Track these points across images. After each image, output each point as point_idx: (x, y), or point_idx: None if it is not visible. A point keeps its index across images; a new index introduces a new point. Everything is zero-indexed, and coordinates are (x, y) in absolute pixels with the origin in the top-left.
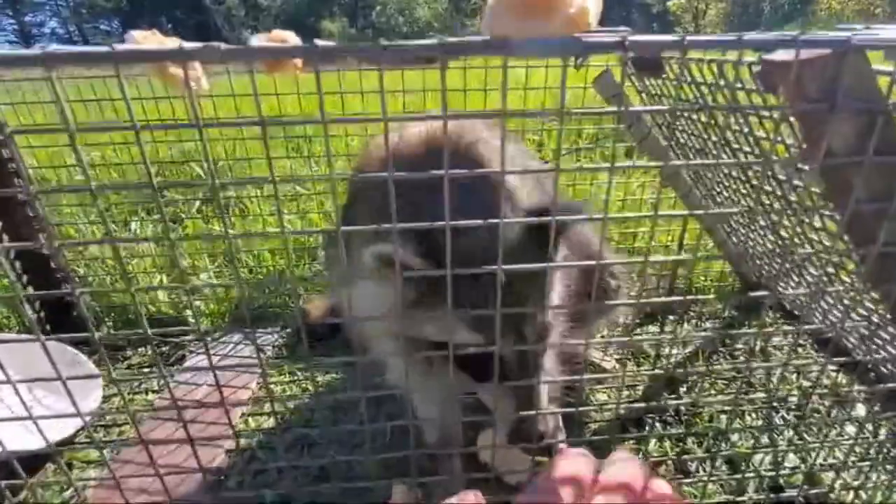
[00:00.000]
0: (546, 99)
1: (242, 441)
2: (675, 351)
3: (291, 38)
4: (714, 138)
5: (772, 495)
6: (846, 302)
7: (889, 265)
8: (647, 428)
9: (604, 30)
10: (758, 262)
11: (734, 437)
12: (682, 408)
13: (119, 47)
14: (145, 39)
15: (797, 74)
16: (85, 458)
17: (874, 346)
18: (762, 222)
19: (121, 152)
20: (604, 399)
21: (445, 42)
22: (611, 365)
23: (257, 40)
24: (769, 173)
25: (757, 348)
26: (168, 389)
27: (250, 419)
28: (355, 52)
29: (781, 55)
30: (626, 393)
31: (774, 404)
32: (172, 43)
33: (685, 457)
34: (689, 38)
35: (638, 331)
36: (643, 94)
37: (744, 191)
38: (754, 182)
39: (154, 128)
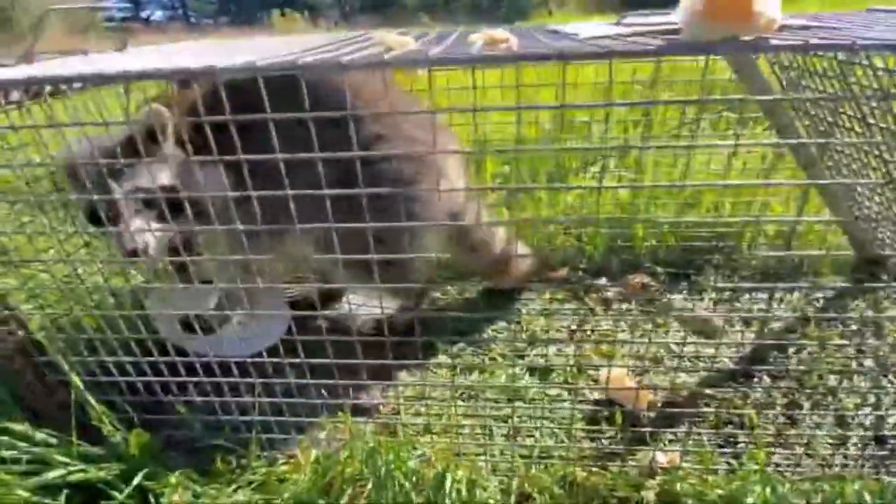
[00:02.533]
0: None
1: None
2: (784, 315)
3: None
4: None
5: (874, 444)
6: None
7: None
8: (755, 379)
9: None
10: (880, 232)
11: (841, 395)
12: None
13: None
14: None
15: None
16: None
17: None
18: (889, 195)
19: None
20: (711, 353)
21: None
22: (719, 322)
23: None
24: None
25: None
26: None
27: None
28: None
29: None
30: (733, 349)
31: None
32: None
33: (795, 412)
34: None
35: (747, 295)
36: (775, 66)
37: (874, 164)
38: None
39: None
